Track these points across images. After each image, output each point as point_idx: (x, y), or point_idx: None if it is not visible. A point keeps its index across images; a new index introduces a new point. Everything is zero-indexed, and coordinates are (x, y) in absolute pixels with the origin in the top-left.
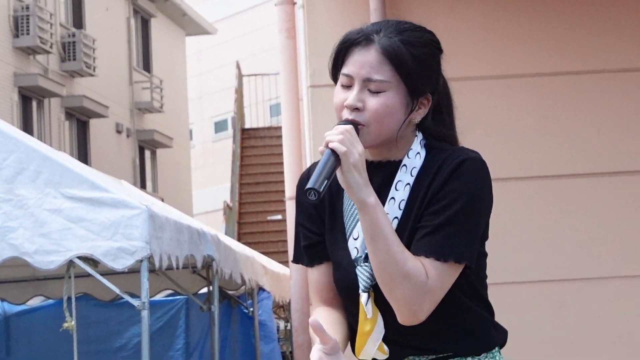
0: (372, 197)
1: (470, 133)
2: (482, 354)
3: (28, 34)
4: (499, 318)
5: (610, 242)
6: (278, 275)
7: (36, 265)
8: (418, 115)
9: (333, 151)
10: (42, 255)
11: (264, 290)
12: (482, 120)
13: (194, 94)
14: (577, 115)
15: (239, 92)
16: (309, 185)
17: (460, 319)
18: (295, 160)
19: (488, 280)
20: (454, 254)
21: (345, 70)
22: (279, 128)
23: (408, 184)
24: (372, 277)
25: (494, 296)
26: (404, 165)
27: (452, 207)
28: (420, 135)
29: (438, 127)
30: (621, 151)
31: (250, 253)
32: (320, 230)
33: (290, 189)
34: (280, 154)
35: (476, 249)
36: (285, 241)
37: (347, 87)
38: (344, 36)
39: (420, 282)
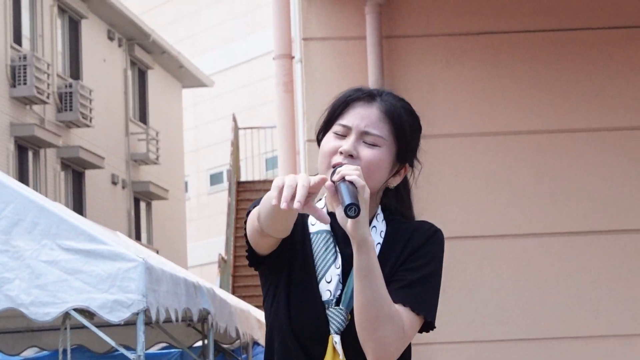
0: (371, 236)
1: (465, 188)
2: None
3: (25, 83)
4: None
5: (606, 300)
6: None
7: (32, 317)
8: (394, 181)
9: (351, 184)
10: (38, 306)
11: (258, 344)
12: (476, 176)
13: (190, 146)
14: (572, 172)
15: (235, 144)
16: (350, 201)
17: None
18: None
19: (454, 339)
20: (426, 310)
21: (343, 121)
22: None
23: (379, 243)
24: (345, 320)
25: (495, 353)
26: (374, 226)
27: (426, 268)
28: (379, 208)
29: (399, 204)
30: (617, 209)
31: (245, 307)
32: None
33: None
34: None
35: (436, 311)
36: None
37: (341, 136)
38: (344, 92)
39: (400, 327)
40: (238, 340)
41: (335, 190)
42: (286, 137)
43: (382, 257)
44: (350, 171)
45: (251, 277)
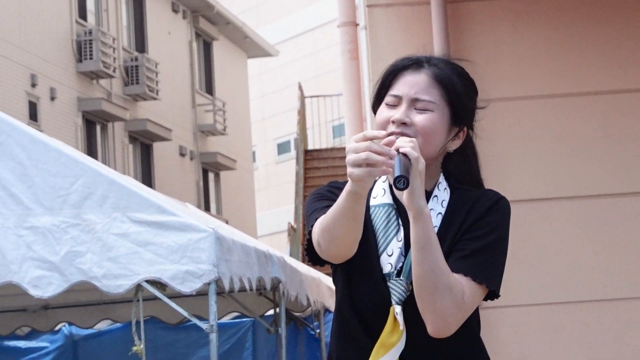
0: (427, 207)
1: (534, 151)
2: None
3: (91, 58)
4: (530, 338)
5: None
6: None
7: (104, 290)
8: (454, 145)
9: (404, 156)
10: (110, 279)
11: (330, 311)
12: (544, 139)
13: (256, 116)
14: (638, 133)
15: (302, 113)
16: (399, 173)
17: (470, 345)
18: None
19: (524, 302)
20: (488, 279)
21: (393, 91)
22: (342, 149)
23: (440, 213)
24: (406, 291)
25: (531, 316)
26: (435, 196)
27: (488, 237)
28: (442, 176)
29: (466, 167)
30: None
31: (316, 274)
32: None
33: None
34: (344, 175)
35: (501, 280)
36: None
37: (393, 106)
38: (392, 63)
39: (459, 297)
40: (309, 308)
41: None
42: (352, 105)
43: (443, 227)
44: (404, 143)
45: None
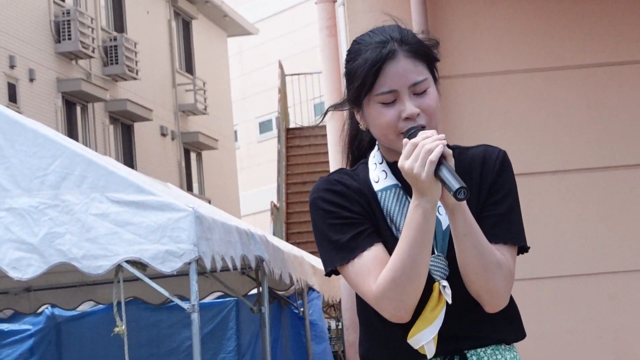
0: None
1: (513, 126)
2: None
3: (70, 39)
4: (545, 312)
5: None
6: None
7: (84, 271)
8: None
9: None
10: (90, 260)
11: (313, 290)
12: (524, 113)
13: (237, 95)
14: (622, 106)
15: (283, 91)
16: (459, 186)
17: (509, 305)
18: (341, 157)
19: (532, 275)
20: (523, 239)
21: (384, 88)
22: (324, 126)
23: None
24: (446, 265)
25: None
26: None
27: (509, 197)
28: None
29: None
30: None
31: (299, 253)
32: (366, 214)
33: None
34: (326, 153)
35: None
36: None
37: (389, 103)
38: (365, 59)
39: (507, 269)
40: (293, 287)
41: (434, 174)
42: (332, 82)
43: None
44: (434, 143)
45: (305, 223)
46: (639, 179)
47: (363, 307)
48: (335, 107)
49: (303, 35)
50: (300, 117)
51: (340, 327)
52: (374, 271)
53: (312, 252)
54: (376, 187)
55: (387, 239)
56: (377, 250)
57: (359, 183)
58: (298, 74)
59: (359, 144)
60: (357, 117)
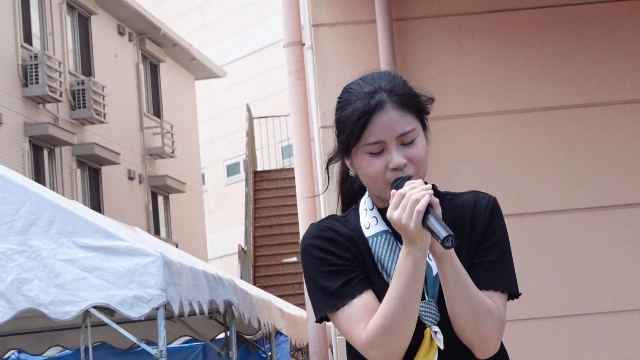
0: None
1: (480, 168)
2: None
3: (37, 83)
4: (519, 354)
5: (624, 275)
6: (295, 318)
7: (52, 316)
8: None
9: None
10: (57, 305)
11: (281, 334)
12: (491, 156)
13: (205, 138)
14: (587, 148)
15: (250, 134)
16: (447, 234)
17: (499, 352)
18: (309, 201)
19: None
20: (514, 286)
21: (371, 139)
22: (291, 169)
23: None
24: (437, 311)
25: (516, 332)
26: None
27: (501, 243)
28: None
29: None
30: (634, 183)
31: (267, 297)
32: (356, 260)
33: (304, 229)
34: (294, 196)
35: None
36: (301, 283)
37: (377, 153)
38: (353, 111)
39: (497, 316)
40: (260, 331)
41: (422, 223)
42: (300, 125)
43: None
44: (420, 193)
45: (272, 266)
46: (602, 221)
47: (355, 356)
48: (330, 161)
49: (271, 78)
50: (268, 159)
51: None
52: (363, 319)
53: (279, 295)
54: (367, 233)
55: (378, 285)
56: (367, 297)
57: (350, 229)
58: (266, 117)
59: (350, 187)
60: (347, 163)
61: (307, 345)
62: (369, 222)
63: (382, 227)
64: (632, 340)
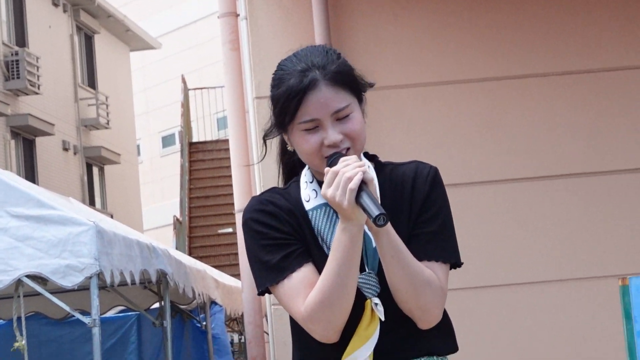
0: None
1: (416, 139)
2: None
3: None
4: (462, 323)
5: (556, 246)
6: (230, 289)
7: None
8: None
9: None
10: None
11: (216, 304)
12: (428, 126)
13: (140, 109)
14: (523, 118)
15: (186, 106)
16: (378, 213)
17: (442, 319)
18: (243, 172)
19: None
20: (454, 256)
21: (306, 117)
22: (227, 141)
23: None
24: (377, 282)
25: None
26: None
27: (441, 214)
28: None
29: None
30: (568, 153)
31: (202, 267)
32: (296, 234)
33: (239, 201)
34: (229, 167)
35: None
36: (236, 254)
37: (312, 130)
38: (287, 88)
39: (437, 286)
40: (195, 301)
41: (355, 200)
42: (234, 96)
43: (389, 211)
44: (353, 170)
45: (207, 237)
46: (539, 191)
47: (297, 328)
48: (266, 136)
49: (206, 49)
50: (204, 131)
51: (242, 340)
52: (302, 292)
53: (215, 266)
54: (307, 206)
55: (318, 258)
56: (306, 271)
57: (290, 202)
58: (201, 88)
59: (290, 159)
60: (285, 138)
61: (242, 315)
62: (308, 195)
63: (321, 200)
64: (570, 309)
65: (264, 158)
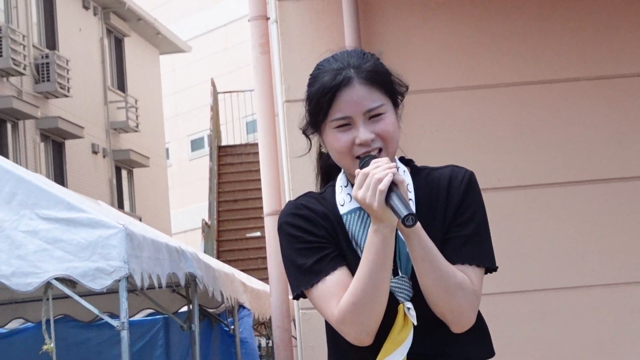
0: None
1: (444, 144)
2: None
3: (1, 55)
4: (497, 328)
5: (590, 251)
6: (258, 292)
7: (13, 288)
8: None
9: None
10: (19, 277)
11: (244, 307)
12: (456, 131)
13: (169, 113)
14: (555, 123)
15: (215, 109)
16: (407, 213)
17: (477, 324)
18: (273, 176)
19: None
20: (489, 260)
21: (338, 114)
22: (256, 144)
23: (410, 199)
24: (411, 287)
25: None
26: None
27: (476, 217)
28: (396, 159)
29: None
30: (602, 158)
31: (230, 270)
32: (330, 238)
33: (268, 205)
34: (258, 170)
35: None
36: (265, 258)
37: (343, 127)
38: (321, 85)
39: (470, 290)
40: (223, 304)
41: (385, 201)
42: (264, 100)
43: (423, 214)
44: (383, 172)
45: (236, 241)
46: (566, 196)
47: (332, 331)
48: (304, 132)
49: (236, 53)
50: (233, 134)
51: (270, 344)
52: (336, 295)
53: (243, 270)
54: (341, 210)
55: (352, 261)
56: (340, 274)
57: (325, 207)
58: (230, 92)
59: (325, 163)
60: (320, 140)
61: (269, 319)
62: (343, 199)
63: (355, 204)
64: (607, 314)
65: (309, 151)
